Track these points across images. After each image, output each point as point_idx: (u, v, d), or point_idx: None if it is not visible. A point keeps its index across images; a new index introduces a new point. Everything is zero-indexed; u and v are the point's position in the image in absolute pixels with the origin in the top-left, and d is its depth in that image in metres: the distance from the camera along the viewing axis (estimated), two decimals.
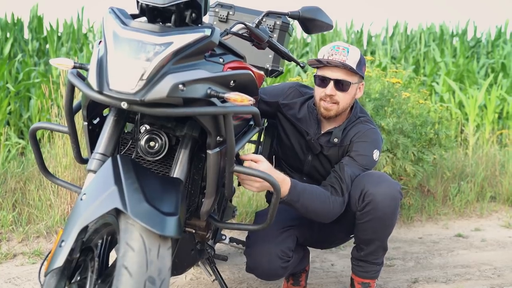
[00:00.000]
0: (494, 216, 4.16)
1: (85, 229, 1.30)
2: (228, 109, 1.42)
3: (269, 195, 2.41)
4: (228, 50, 1.62)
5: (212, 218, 1.74)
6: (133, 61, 1.30)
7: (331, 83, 2.11)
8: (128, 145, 1.62)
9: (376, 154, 2.17)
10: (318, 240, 2.35)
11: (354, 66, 2.10)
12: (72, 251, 1.25)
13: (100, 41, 1.43)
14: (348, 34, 10.42)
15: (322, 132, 2.24)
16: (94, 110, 1.55)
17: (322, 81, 2.14)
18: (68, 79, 1.46)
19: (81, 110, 1.53)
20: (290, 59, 2.10)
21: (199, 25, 1.45)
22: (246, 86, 1.66)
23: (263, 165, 1.81)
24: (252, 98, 1.40)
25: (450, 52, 9.02)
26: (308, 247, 2.43)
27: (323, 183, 2.13)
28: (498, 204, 4.38)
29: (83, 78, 1.47)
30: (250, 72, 1.68)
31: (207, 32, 1.39)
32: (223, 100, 1.41)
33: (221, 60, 1.52)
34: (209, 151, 1.50)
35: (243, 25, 1.85)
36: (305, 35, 9.96)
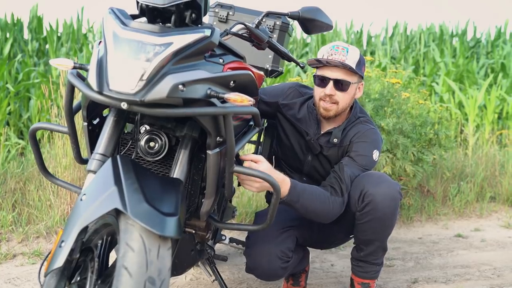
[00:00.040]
0: (493, 216, 4.15)
1: (85, 230, 1.30)
2: (228, 110, 1.42)
3: (269, 196, 2.41)
4: (228, 50, 1.62)
5: (212, 218, 1.74)
6: (133, 62, 1.30)
7: (331, 83, 2.11)
8: (128, 146, 1.62)
9: (375, 155, 2.17)
10: (318, 240, 2.35)
11: (353, 66, 2.10)
12: (72, 251, 1.25)
13: (100, 42, 1.43)
14: (347, 34, 10.42)
15: (322, 132, 2.24)
16: (94, 110, 1.55)
17: (322, 81, 2.14)
18: (68, 80, 1.46)
19: (81, 111, 1.53)
20: (290, 59, 2.10)
21: (199, 25, 1.45)
22: (246, 86, 1.66)
23: (263, 165, 1.81)
24: (252, 99, 1.40)
25: (450, 52, 9.02)
26: (308, 248, 2.43)
27: (322, 184, 2.13)
28: (497, 204, 4.38)
29: (83, 79, 1.47)
30: (250, 72, 1.68)
31: (207, 32, 1.39)
32: (223, 101, 1.42)
33: (221, 60, 1.52)
34: (209, 152, 1.50)
35: (243, 26, 1.85)
36: (304, 35, 9.96)
